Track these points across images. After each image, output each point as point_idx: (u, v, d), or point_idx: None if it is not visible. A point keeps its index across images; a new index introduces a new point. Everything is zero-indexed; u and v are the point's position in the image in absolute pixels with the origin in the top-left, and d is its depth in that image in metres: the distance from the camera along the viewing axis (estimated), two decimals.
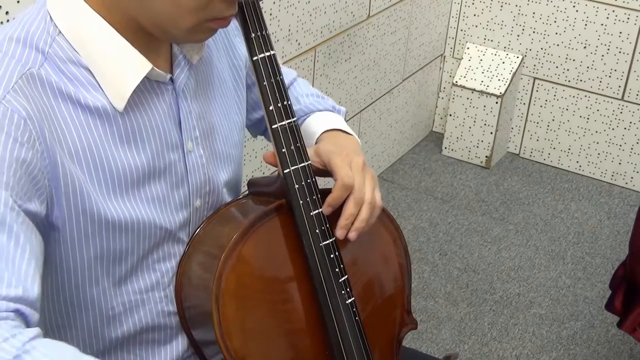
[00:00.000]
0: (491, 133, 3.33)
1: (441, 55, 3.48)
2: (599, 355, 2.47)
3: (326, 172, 1.15)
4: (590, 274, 2.81)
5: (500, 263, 2.83)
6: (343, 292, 1.13)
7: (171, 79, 1.08)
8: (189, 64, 1.10)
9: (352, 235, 1.12)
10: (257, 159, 2.40)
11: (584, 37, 3.17)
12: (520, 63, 3.31)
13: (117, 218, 1.03)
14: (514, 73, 3.29)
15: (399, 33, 3.06)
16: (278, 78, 1.11)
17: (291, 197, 1.11)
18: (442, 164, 3.41)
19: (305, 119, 1.32)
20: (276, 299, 1.12)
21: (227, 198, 1.21)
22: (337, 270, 1.12)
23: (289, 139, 1.11)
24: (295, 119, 1.12)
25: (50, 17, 1.00)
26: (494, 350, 2.46)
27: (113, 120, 1.01)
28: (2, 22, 1.52)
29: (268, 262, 1.11)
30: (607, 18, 3.10)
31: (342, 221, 1.11)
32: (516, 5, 3.25)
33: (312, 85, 1.61)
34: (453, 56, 3.48)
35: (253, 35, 1.09)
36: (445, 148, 3.46)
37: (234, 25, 1.18)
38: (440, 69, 3.52)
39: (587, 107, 3.28)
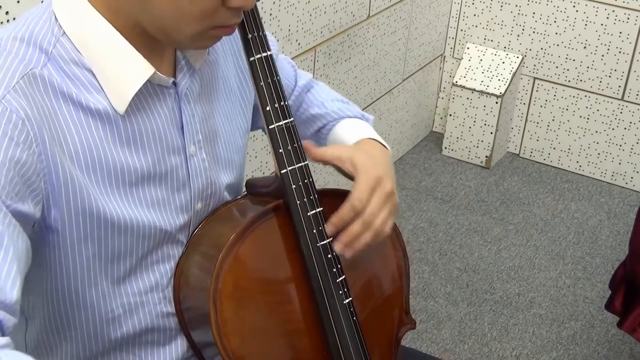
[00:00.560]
0: (491, 133, 3.33)
1: (441, 55, 3.48)
2: (599, 355, 2.47)
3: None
4: (590, 274, 2.81)
5: (500, 263, 2.83)
6: (340, 292, 1.13)
7: (174, 83, 1.08)
8: (192, 68, 1.10)
9: (348, 253, 1.12)
10: (257, 159, 2.40)
11: (584, 37, 3.17)
12: (520, 63, 3.31)
13: (117, 218, 1.03)
14: (514, 73, 3.29)
15: (399, 33, 3.06)
16: (275, 78, 1.11)
17: (289, 198, 1.11)
18: (442, 164, 3.41)
19: (334, 125, 1.31)
20: (274, 300, 1.12)
21: None
22: (334, 270, 1.12)
23: (286, 139, 1.11)
24: (292, 119, 1.12)
25: (55, 17, 1.00)
26: (494, 350, 2.46)
27: (114, 123, 1.01)
28: (2, 22, 1.52)
29: (265, 263, 1.11)
30: (607, 18, 3.10)
31: (344, 237, 1.11)
32: (516, 5, 3.25)
33: None
34: (453, 56, 3.48)
35: (250, 36, 1.09)
36: (445, 148, 3.46)
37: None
38: (440, 69, 3.52)
39: (587, 107, 3.28)
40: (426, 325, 2.53)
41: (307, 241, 1.11)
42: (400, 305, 1.26)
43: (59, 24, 0.99)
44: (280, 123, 1.11)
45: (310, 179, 1.12)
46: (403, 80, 3.23)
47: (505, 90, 3.26)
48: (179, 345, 1.17)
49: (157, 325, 1.14)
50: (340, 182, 2.77)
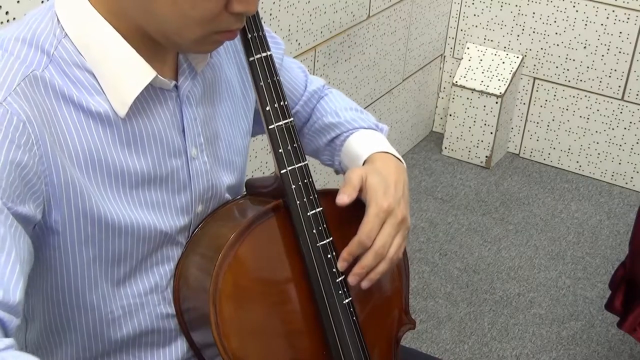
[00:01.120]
0: (491, 133, 3.33)
1: (441, 55, 3.48)
2: (599, 355, 2.47)
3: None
4: (590, 274, 2.81)
5: (500, 263, 2.83)
6: (340, 292, 1.13)
7: (175, 86, 1.07)
8: (195, 71, 1.10)
9: (365, 285, 1.13)
10: (257, 159, 2.40)
11: (584, 37, 3.17)
12: (520, 63, 3.31)
13: (117, 220, 1.03)
14: (514, 73, 3.29)
15: (399, 33, 3.06)
16: (275, 78, 1.11)
17: (288, 198, 1.11)
18: (442, 164, 3.41)
19: (348, 136, 1.30)
20: (274, 300, 1.12)
21: None
22: (334, 270, 1.12)
23: (285, 139, 1.11)
24: (292, 119, 1.12)
25: (58, 19, 0.99)
26: (494, 350, 2.46)
27: (115, 126, 1.01)
28: (1, 22, 1.52)
29: (265, 263, 1.11)
30: (607, 18, 3.10)
31: (357, 269, 1.12)
32: (516, 5, 3.25)
33: None
34: (453, 56, 3.48)
35: (250, 36, 1.09)
36: (445, 148, 3.46)
37: None
38: (440, 69, 3.52)
39: (587, 107, 3.28)
40: (426, 325, 2.53)
41: (306, 241, 1.11)
42: (400, 305, 1.26)
43: (61, 25, 0.99)
44: (280, 123, 1.11)
45: (310, 179, 1.12)
46: (403, 80, 3.23)
47: (505, 90, 3.26)
48: (179, 347, 1.17)
49: (157, 327, 1.14)
50: (340, 183, 2.76)
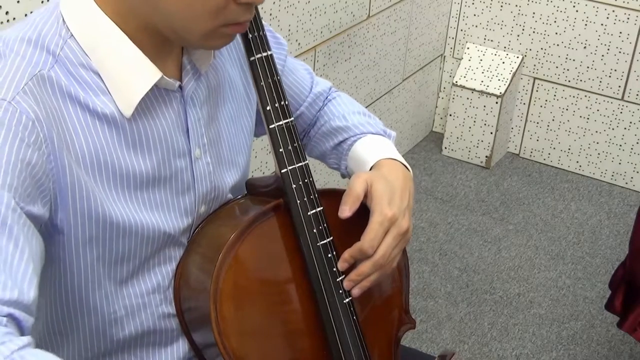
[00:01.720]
0: (491, 133, 3.33)
1: (441, 55, 3.48)
2: (599, 355, 2.47)
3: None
4: (590, 274, 2.81)
5: (500, 263, 2.83)
6: (340, 291, 1.13)
7: (180, 87, 1.07)
8: (199, 72, 1.10)
9: (355, 292, 1.13)
10: (258, 159, 2.40)
11: (584, 37, 3.17)
12: (520, 63, 3.31)
13: (122, 221, 1.03)
14: (514, 73, 3.29)
15: (399, 33, 3.06)
16: (275, 78, 1.11)
17: (289, 197, 1.11)
18: (442, 164, 3.41)
19: (355, 141, 1.30)
20: (274, 299, 1.12)
21: None
22: (334, 270, 1.12)
23: (286, 138, 1.11)
24: (292, 119, 1.12)
25: (63, 19, 0.99)
26: (494, 350, 2.46)
27: (120, 126, 1.01)
28: (2, 22, 1.52)
29: (265, 262, 1.11)
30: (607, 18, 3.10)
31: (354, 276, 1.12)
32: (516, 5, 3.25)
33: None
34: (453, 56, 3.48)
35: (250, 35, 1.09)
36: (445, 148, 3.46)
37: None
38: (440, 69, 3.52)
39: (587, 107, 3.28)
40: (426, 325, 2.53)
41: (307, 241, 1.11)
42: (400, 304, 1.26)
43: (67, 26, 0.99)
44: (280, 122, 1.11)
45: (311, 179, 1.12)
46: (403, 80, 3.23)
47: (505, 90, 3.26)
48: (181, 347, 1.17)
49: (159, 327, 1.14)
50: (340, 182, 2.77)
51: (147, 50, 1.01)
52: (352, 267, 1.13)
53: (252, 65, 1.10)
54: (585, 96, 3.26)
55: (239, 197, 1.21)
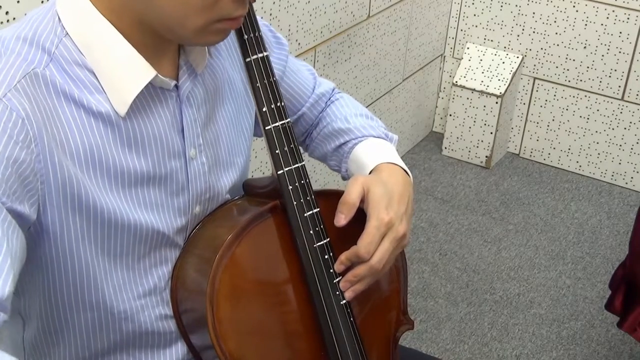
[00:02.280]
0: (491, 133, 3.33)
1: (441, 55, 3.48)
2: (599, 355, 2.47)
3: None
4: (590, 274, 2.81)
5: (500, 263, 2.83)
6: (337, 292, 1.13)
7: (176, 86, 1.07)
8: (195, 72, 1.10)
9: (349, 295, 1.13)
10: (257, 159, 2.40)
11: (584, 37, 3.17)
12: (520, 63, 3.30)
13: (114, 217, 1.03)
14: (514, 73, 3.29)
15: (399, 33, 3.06)
16: (271, 79, 1.11)
17: (285, 198, 1.10)
18: (442, 164, 3.41)
19: (356, 144, 1.29)
20: (271, 301, 1.12)
21: None
22: (331, 271, 1.12)
23: (282, 140, 1.11)
24: (288, 120, 1.12)
25: (59, 18, 0.99)
26: (494, 350, 2.46)
27: (115, 125, 1.01)
28: (1, 22, 1.52)
29: (262, 264, 1.11)
30: (607, 18, 3.10)
31: (350, 277, 1.13)
32: (516, 5, 3.25)
33: None
34: (453, 56, 3.48)
35: (246, 37, 1.09)
36: (445, 148, 3.46)
37: None
38: (440, 69, 3.52)
39: (587, 107, 3.28)
40: (426, 325, 2.53)
41: (303, 242, 1.11)
42: (398, 305, 1.26)
43: (62, 24, 0.99)
44: (277, 124, 1.11)
45: (307, 180, 1.12)
46: (403, 80, 3.23)
47: (505, 90, 3.26)
48: (179, 349, 1.17)
49: (156, 329, 1.13)
50: (340, 183, 2.77)
51: (142, 49, 1.01)
52: (349, 268, 1.13)
53: (247, 66, 1.10)
54: (585, 96, 3.26)
55: (236, 198, 1.21)
